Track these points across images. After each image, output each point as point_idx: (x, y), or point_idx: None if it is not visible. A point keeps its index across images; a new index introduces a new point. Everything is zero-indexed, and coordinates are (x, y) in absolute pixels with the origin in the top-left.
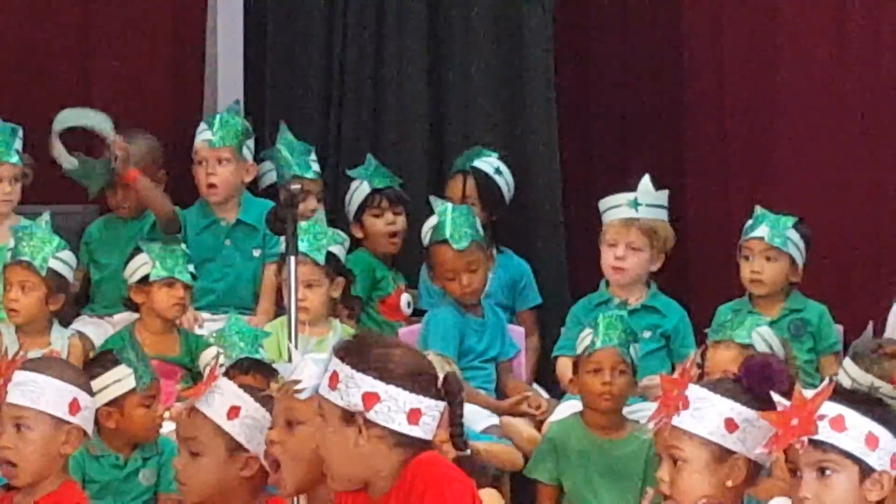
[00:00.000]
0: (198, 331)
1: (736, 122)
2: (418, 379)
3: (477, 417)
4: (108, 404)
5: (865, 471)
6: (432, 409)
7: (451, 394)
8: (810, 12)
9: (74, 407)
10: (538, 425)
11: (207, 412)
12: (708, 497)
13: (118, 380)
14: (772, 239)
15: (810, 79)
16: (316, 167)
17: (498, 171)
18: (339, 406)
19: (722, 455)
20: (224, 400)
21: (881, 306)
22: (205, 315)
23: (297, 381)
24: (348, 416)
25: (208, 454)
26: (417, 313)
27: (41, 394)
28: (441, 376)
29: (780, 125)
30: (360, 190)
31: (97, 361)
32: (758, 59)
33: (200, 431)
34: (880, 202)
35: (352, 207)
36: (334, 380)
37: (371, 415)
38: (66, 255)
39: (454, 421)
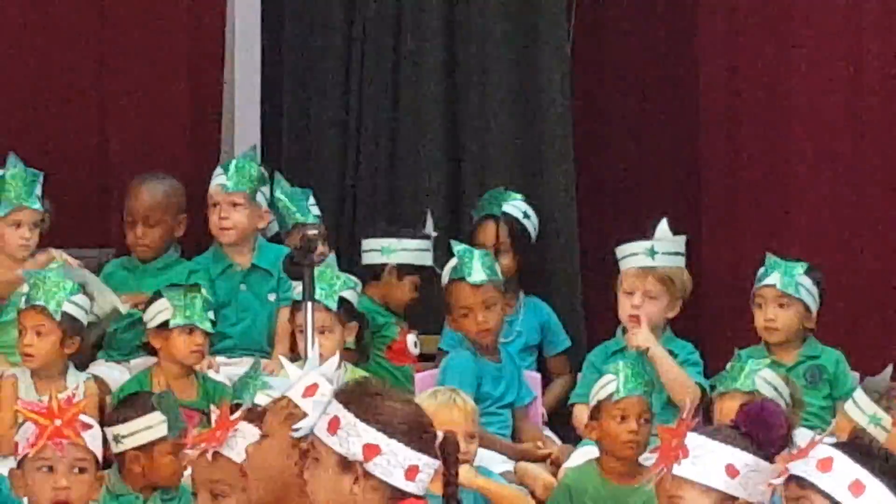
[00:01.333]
0: (213, 375)
1: (750, 168)
2: (420, 436)
3: (492, 463)
4: (136, 448)
5: None
6: (429, 466)
7: (448, 454)
8: (825, 61)
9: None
10: (554, 471)
11: (231, 455)
12: None
13: (150, 426)
14: (784, 286)
15: (824, 127)
16: (316, 211)
17: (526, 214)
18: (337, 452)
19: (724, 501)
20: (246, 443)
21: None
22: (221, 359)
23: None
24: (346, 464)
25: (232, 496)
26: (425, 357)
27: None
28: (440, 436)
29: (794, 171)
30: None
31: (129, 404)
32: (772, 107)
33: (225, 474)
34: (894, 249)
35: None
36: (335, 425)
37: (370, 466)
38: (80, 298)
39: (449, 481)
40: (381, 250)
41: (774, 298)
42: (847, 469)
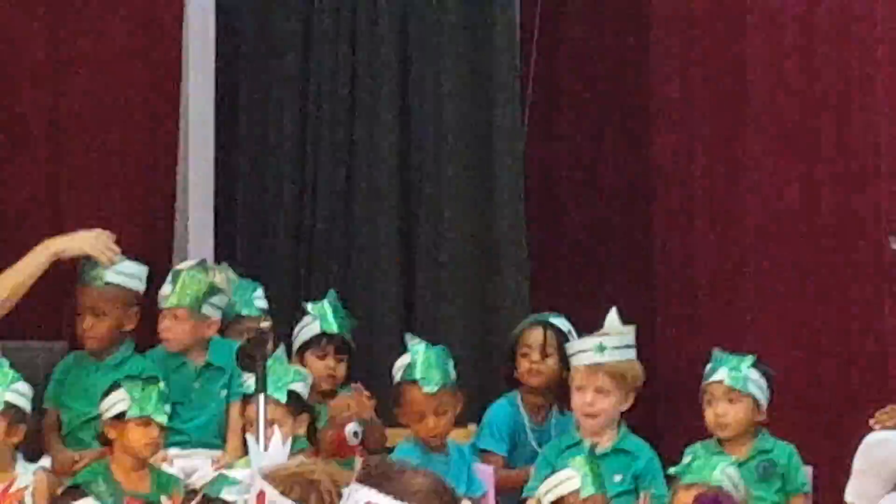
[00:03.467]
0: (167, 468)
1: (705, 261)
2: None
3: None
4: None
5: None
6: None
7: None
8: (780, 148)
9: None
10: None
11: None
12: None
13: None
14: (731, 382)
15: (778, 221)
16: (263, 304)
17: (570, 332)
18: None
19: None
20: None
21: (850, 447)
22: (174, 451)
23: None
24: None
25: None
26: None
27: None
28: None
29: (749, 264)
30: (307, 329)
31: (67, 492)
32: (726, 199)
33: None
34: (849, 343)
35: (297, 341)
36: None
37: None
38: (22, 386)
39: None
40: None
41: (723, 394)
42: None
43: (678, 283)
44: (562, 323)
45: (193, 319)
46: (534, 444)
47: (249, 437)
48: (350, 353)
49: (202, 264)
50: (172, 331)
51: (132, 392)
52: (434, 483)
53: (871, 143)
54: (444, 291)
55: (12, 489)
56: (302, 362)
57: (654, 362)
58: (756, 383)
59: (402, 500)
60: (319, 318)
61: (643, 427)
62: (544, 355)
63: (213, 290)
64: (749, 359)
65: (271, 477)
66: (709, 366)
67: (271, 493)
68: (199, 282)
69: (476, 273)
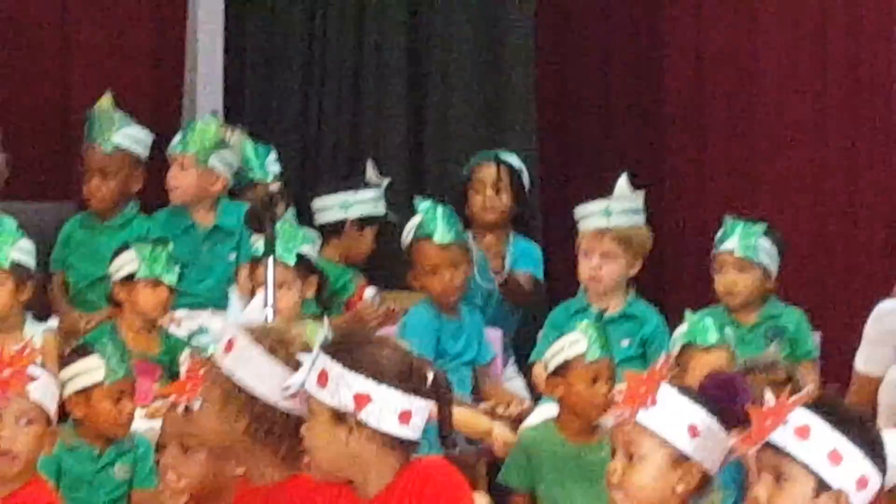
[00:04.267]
0: (174, 329)
1: (716, 125)
2: (410, 379)
3: None
4: (77, 393)
5: (822, 486)
6: (422, 409)
7: (440, 393)
8: (792, 14)
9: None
10: (515, 428)
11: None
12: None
13: (87, 370)
14: (742, 251)
15: (791, 83)
16: (277, 168)
17: (520, 167)
18: (329, 405)
19: (677, 459)
20: None
21: (859, 313)
22: (182, 312)
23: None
24: (338, 416)
25: (203, 450)
26: None
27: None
28: (430, 375)
29: (760, 129)
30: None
31: (75, 350)
32: (739, 59)
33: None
34: (858, 208)
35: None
36: (324, 378)
37: (362, 416)
38: (25, 243)
39: (444, 419)
40: (340, 206)
41: (734, 263)
42: (825, 437)
43: (687, 148)
44: (513, 159)
45: (199, 170)
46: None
47: (231, 293)
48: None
49: (214, 116)
50: (178, 179)
51: (142, 253)
52: (401, 359)
53: None
54: (452, 154)
55: (27, 351)
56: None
57: (662, 228)
58: (767, 252)
59: (364, 373)
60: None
61: (651, 292)
62: (497, 190)
63: (221, 143)
64: (760, 227)
65: (247, 328)
66: (720, 233)
67: (242, 340)
68: (208, 132)
69: (485, 139)
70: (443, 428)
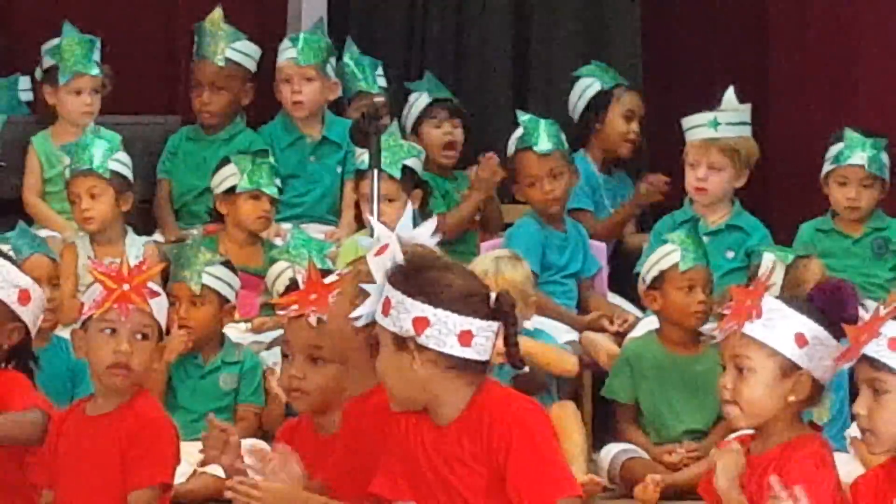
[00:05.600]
0: (280, 243)
1: (818, 36)
2: (469, 300)
3: (557, 332)
4: None
5: None
6: (485, 329)
7: (504, 312)
8: None
9: None
10: (619, 342)
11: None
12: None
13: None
14: (871, 167)
15: None
16: (383, 82)
17: None
18: (391, 332)
19: (788, 369)
20: None
21: None
22: (287, 226)
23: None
24: (401, 342)
25: (333, 363)
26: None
27: None
28: (493, 296)
29: (864, 40)
30: (419, 102)
31: None
32: None
33: (328, 340)
34: None
35: (409, 120)
36: (387, 306)
37: (422, 339)
38: (123, 156)
39: (509, 339)
40: None
41: (860, 179)
42: None
43: (791, 60)
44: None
45: (321, 80)
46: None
47: (375, 223)
48: (463, 116)
49: (318, 25)
50: (304, 93)
51: (242, 166)
52: (463, 282)
53: None
54: (556, 66)
55: (147, 265)
56: (420, 141)
57: (767, 140)
58: (887, 166)
59: (421, 298)
60: (425, 91)
61: (756, 206)
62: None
63: (331, 50)
64: (881, 141)
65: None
66: (838, 146)
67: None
68: (320, 40)
69: (588, 51)
70: (509, 348)
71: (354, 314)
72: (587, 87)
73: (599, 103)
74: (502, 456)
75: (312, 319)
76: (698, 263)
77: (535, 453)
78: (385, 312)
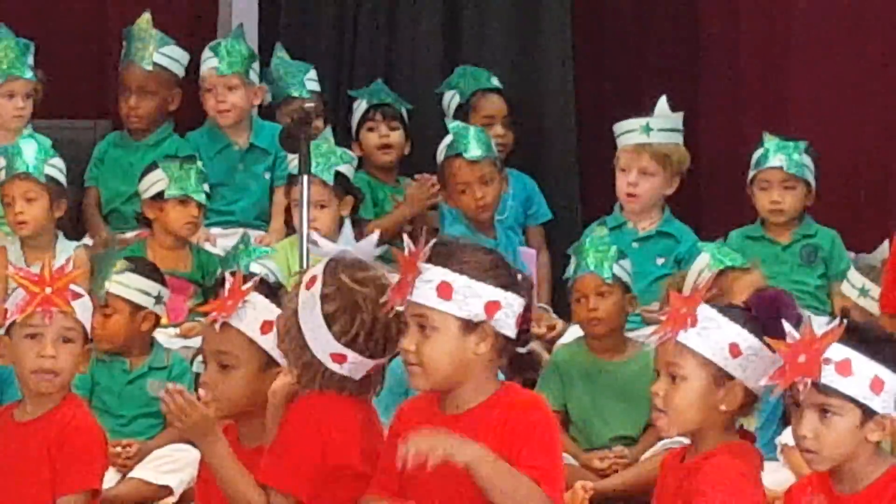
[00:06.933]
0: (209, 248)
1: (750, 45)
2: (521, 283)
3: None
4: None
5: (868, 414)
6: (521, 309)
7: (528, 291)
8: None
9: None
10: (549, 348)
11: (240, 326)
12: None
13: None
14: (790, 168)
15: (827, 2)
16: (314, 86)
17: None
18: (458, 316)
19: (720, 379)
20: (257, 315)
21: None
22: (216, 231)
23: None
24: (470, 326)
25: (241, 367)
26: None
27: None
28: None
29: (794, 49)
30: (359, 108)
31: None
32: None
33: (234, 346)
34: (892, 128)
35: (353, 126)
36: (446, 290)
37: (494, 323)
38: (58, 161)
39: (526, 316)
40: None
41: (780, 181)
42: (865, 368)
43: (722, 67)
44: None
45: (245, 88)
46: None
47: (346, 225)
48: (401, 119)
49: (239, 32)
50: (228, 102)
51: (170, 171)
52: (492, 258)
53: None
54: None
55: (70, 268)
56: (361, 148)
57: (697, 148)
58: (809, 169)
59: (465, 274)
60: (365, 97)
61: (686, 214)
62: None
63: (254, 55)
64: (802, 144)
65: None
66: (759, 152)
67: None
68: (242, 48)
69: (519, 52)
70: (523, 325)
71: (382, 299)
72: (450, 100)
73: (460, 116)
74: (514, 452)
75: (217, 326)
76: (584, 272)
77: (546, 455)
78: (446, 297)
